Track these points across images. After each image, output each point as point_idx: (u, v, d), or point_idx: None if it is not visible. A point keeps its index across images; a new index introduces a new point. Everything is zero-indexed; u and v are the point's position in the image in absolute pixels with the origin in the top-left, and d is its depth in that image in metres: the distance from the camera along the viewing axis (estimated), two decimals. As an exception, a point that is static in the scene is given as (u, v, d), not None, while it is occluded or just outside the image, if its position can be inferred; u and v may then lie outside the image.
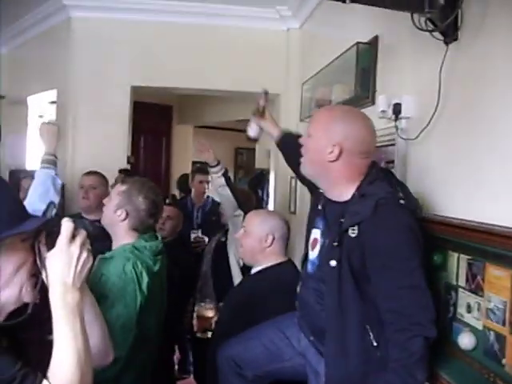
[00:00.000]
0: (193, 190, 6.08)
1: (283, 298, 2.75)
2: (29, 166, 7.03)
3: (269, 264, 3.16)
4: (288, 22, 5.74)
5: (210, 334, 3.29)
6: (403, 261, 2.08)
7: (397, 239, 2.10)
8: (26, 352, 1.47)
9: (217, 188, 4.18)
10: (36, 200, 2.88)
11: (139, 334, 2.59)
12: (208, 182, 5.88)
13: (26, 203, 2.76)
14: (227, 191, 4.08)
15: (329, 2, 2.79)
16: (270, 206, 6.66)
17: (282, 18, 5.71)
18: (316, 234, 2.44)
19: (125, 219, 2.79)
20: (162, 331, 3.01)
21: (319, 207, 2.46)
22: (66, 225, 1.42)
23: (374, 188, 2.20)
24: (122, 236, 2.81)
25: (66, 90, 5.89)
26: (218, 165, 4.18)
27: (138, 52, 5.68)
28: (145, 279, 2.69)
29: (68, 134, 5.76)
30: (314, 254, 2.42)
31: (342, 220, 2.19)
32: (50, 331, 1.41)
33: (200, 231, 5.30)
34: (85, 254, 1.44)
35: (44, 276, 1.42)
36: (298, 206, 5.37)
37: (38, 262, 1.45)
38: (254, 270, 3.23)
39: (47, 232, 1.45)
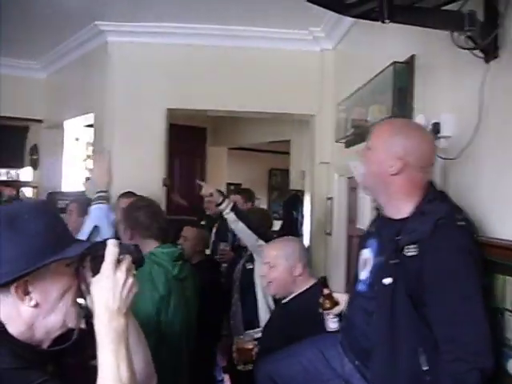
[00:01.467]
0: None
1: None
2: (65, 188, 7.12)
3: (302, 289, 3.14)
4: (321, 42, 5.73)
5: (250, 367, 3.24)
6: (462, 286, 2.03)
7: (456, 263, 2.04)
8: (70, 377, 1.46)
9: (230, 225, 4.09)
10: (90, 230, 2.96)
11: (160, 335, 2.64)
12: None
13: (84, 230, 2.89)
14: (241, 225, 3.96)
15: (363, 22, 2.78)
16: (306, 228, 6.62)
17: (316, 39, 5.71)
18: (367, 254, 2.40)
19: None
20: (190, 345, 3.08)
21: (372, 229, 2.43)
22: (111, 249, 1.41)
23: (433, 207, 2.16)
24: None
25: (102, 113, 5.97)
26: (223, 201, 3.96)
27: (173, 75, 5.73)
28: (161, 279, 2.86)
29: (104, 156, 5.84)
30: (364, 274, 2.38)
31: (399, 238, 2.14)
32: (93, 356, 1.39)
33: (228, 244, 5.32)
34: (130, 280, 1.42)
35: (89, 302, 1.41)
36: (334, 228, 5.33)
37: (83, 287, 1.44)
38: (286, 300, 3.22)
39: (92, 256, 1.45)
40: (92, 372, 1.37)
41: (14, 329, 1.41)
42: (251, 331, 3.66)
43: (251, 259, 4.44)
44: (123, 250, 1.44)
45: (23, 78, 7.44)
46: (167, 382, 2.53)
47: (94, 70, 6.17)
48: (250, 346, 3.26)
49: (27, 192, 8.11)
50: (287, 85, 5.75)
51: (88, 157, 7.61)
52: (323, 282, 2.76)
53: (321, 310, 2.69)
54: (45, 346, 1.46)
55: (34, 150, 8.05)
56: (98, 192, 3.12)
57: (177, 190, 7.35)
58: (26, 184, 8.20)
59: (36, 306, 1.40)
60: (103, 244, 1.43)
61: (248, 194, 6.02)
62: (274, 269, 3.14)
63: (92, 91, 6.25)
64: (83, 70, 6.51)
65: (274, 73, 5.79)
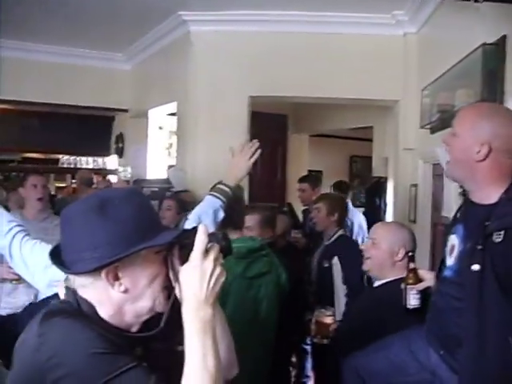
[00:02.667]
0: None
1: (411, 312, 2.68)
2: (149, 176, 7.28)
3: (396, 277, 3.09)
4: (405, 26, 5.62)
5: (326, 341, 3.24)
6: None
7: None
8: (157, 362, 1.48)
9: None
10: (193, 223, 2.85)
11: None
12: (304, 191, 5.85)
13: (189, 218, 2.80)
14: None
15: (449, 3, 2.71)
16: (389, 215, 6.52)
17: (399, 23, 5.60)
18: (454, 240, 2.34)
19: None
20: (261, 343, 3.06)
21: (458, 215, 2.37)
22: (200, 239, 1.40)
23: None
24: None
25: (185, 102, 6.07)
26: None
27: (255, 62, 5.76)
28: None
29: (188, 144, 5.93)
30: (451, 260, 2.33)
31: (487, 223, 2.08)
32: (180, 342, 1.41)
33: (300, 232, 5.32)
34: (218, 270, 1.41)
35: (177, 290, 1.42)
36: (418, 215, 5.23)
37: (172, 275, 1.44)
38: (378, 283, 3.17)
39: (180, 245, 1.45)
40: (179, 357, 1.39)
41: (104, 312, 1.44)
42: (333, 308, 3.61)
43: (326, 255, 4.41)
44: (212, 238, 1.43)
45: (109, 70, 7.68)
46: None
47: (177, 59, 6.28)
48: (329, 321, 3.24)
49: (113, 180, 8.35)
50: (370, 70, 5.68)
51: (170, 145, 7.75)
52: (410, 257, 2.72)
53: (403, 285, 2.63)
54: (134, 329, 1.49)
55: (120, 138, 8.29)
56: (222, 184, 2.87)
57: (258, 177, 7.37)
58: (111, 172, 8.45)
59: (125, 291, 1.43)
60: (192, 232, 1.43)
61: (314, 181, 5.99)
62: (377, 246, 3.09)
63: (175, 80, 6.35)
64: (166, 60, 6.64)
65: (357, 58, 5.73)
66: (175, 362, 1.42)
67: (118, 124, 8.47)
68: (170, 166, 7.27)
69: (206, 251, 1.41)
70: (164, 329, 1.45)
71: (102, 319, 1.43)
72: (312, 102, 6.81)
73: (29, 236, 2.52)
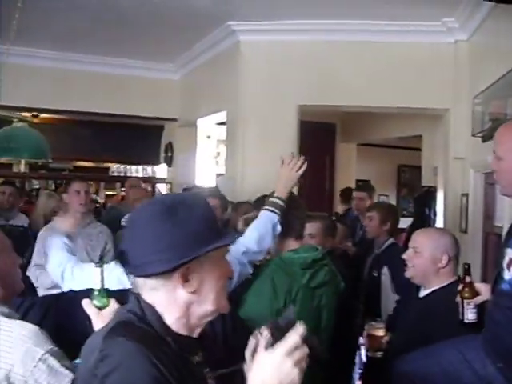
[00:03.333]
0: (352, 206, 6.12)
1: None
2: (198, 184, 7.34)
3: (441, 285, 3.04)
4: (455, 33, 5.55)
5: (379, 354, 3.19)
6: None
7: None
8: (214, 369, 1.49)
9: None
10: (252, 239, 2.86)
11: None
12: (362, 199, 5.83)
13: (243, 237, 2.82)
14: None
15: (501, 9, 2.67)
16: (439, 225, 6.44)
17: (449, 31, 5.54)
18: (511, 253, 2.31)
19: None
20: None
21: None
22: (294, 338, 1.32)
23: None
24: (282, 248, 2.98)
25: (235, 111, 6.12)
26: None
27: (304, 71, 5.78)
28: (284, 288, 2.78)
29: (237, 153, 5.97)
30: (509, 274, 2.29)
31: None
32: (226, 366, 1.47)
33: (350, 240, 5.28)
34: (296, 375, 1.30)
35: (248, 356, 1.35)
36: (469, 225, 5.15)
37: (249, 354, 1.37)
38: (424, 292, 3.13)
39: (273, 326, 1.38)
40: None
41: (171, 316, 1.46)
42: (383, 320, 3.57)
43: (376, 265, 4.37)
44: (307, 341, 1.34)
45: (159, 80, 7.79)
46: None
47: (227, 69, 6.33)
48: (381, 334, 3.19)
49: (162, 188, 8.45)
50: (420, 78, 5.64)
51: (218, 154, 7.81)
52: (466, 270, 2.65)
53: (459, 299, 2.58)
54: (196, 333, 1.51)
55: (169, 147, 8.39)
56: (275, 198, 2.88)
57: (307, 186, 7.36)
58: (160, 180, 8.56)
59: (194, 292, 1.45)
60: (290, 320, 1.39)
61: (371, 190, 5.97)
62: (419, 254, 3.06)
63: (224, 90, 6.41)
64: (215, 69, 6.70)
65: (407, 66, 5.69)
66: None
67: (167, 133, 8.60)
68: (218, 175, 7.34)
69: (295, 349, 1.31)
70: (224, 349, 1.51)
71: (166, 327, 1.45)
72: (361, 111, 6.79)
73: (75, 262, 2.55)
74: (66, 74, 7.25)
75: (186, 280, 1.44)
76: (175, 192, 7.56)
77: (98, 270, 1.95)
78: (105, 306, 1.89)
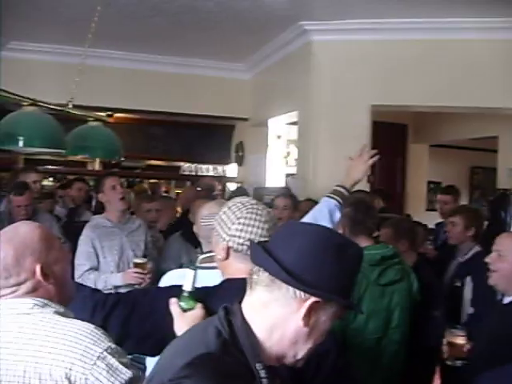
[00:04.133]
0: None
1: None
2: (269, 184, 7.35)
3: (528, 292, 2.94)
4: (534, 30, 5.37)
5: (459, 363, 3.09)
6: None
7: None
8: None
9: None
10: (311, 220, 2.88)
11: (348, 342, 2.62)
12: (446, 203, 5.66)
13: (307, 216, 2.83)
14: None
15: None
16: (516, 229, 6.25)
17: (528, 28, 5.37)
18: None
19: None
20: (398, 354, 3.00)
21: None
22: None
23: None
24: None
25: (306, 111, 6.09)
26: None
27: (377, 71, 5.72)
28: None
29: (308, 153, 5.94)
30: None
31: None
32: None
33: (431, 243, 5.15)
34: None
35: None
36: (549, 229, 4.98)
37: None
38: (508, 299, 3.03)
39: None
40: None
41: (267, 342, 1.41)
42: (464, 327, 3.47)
43: (460, 274, 4.21)
44: None
45: (230, 80, 7.84)
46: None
47: (298, 69, 6.31)
48: (462, 342, 3.09)
49: (232, 187, 8.51)
50: (496, 77, 5.47)
51: (288, 154, 7.80)
52: None
53: None
54: (280, 362, 1.45)
55: (240, 147, 8.43)
56: (340, 186, 2.94)
57: (377, 187, 7.27)
58: (231, 179, 8.61)
59: (305, 325, 1.39)
60: None
61: (456, 193, 5.77)
62: (503, 259, 2.95)
63: (296, 90, 6.39)
64: (287, 69, 6.68)
65: (481, 65, 5.54)
66: None
67: (238, 133, 8.64)
68: (288, 175, 7.32)
69: None
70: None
71: (257, 355, 1.38)
72: (434, 111, 6.66)
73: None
74: (139, 75, 7.42)
75: (309, 313, 1.37)
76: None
77: (191, 272, 1.95)
78: (190, 309, 1.87)
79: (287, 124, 7.47)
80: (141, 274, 4.05)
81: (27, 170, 5.63)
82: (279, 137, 7.79)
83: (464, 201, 10.88)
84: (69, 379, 1.59)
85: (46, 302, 1.72)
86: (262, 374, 1.35)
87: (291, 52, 6.53)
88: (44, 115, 3.15)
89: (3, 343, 1.64)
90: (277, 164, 7.76)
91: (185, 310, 1.88)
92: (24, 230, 1.77)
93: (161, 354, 1.54)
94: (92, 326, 1.71)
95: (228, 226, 2.03)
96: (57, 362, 1.59)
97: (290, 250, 1.40)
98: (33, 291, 1.72)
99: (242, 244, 2.01)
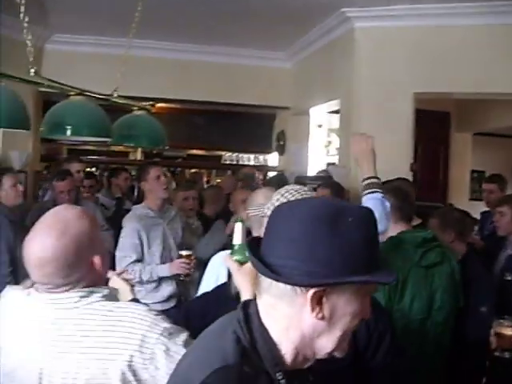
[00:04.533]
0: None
1: None
2: (310, 173, 7.33)
3: None
4: None
5: (507, 355, 3.04)
6: None
7: None
8: None
9: None
10: None
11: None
12: (491, 192, 5.58)
13: None
14: None
15: None
16: None
17: None
18: None
19: None
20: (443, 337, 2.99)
21: None
22: None
23: None
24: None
25: (349, 99, 6.05)
26: None
27: (420, 58, 5.62)
28: (395, 264, 2.89)
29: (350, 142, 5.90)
30: None
31: None
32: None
33: (476, 232, 5.07)
34: None
35: None
36: None
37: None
38: None
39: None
40: None
41: (286, 344, 1.29)
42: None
43: (510, 267, 4.11)
44: None
45: (271, 68, 7.82)
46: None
47: (340, 56, 6.26)
48: (511, 332, 3.04)
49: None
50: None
51: (329, 143, 7.77)
52: None
53: None
54: (305, 365, 1.34)
55: (281, 136, 8.42)
56: (367, 179, 2.87)
57: (419, 176, 7.19)
58: (272, 169, 8.62)
59: (321, 319, 1.26)
60: None
61: (502, 181, 5.67)
62: None
63: (338, 78, 6.35)
64: (329, 57, 6.64)
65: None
66: None
67: (280, 122, 8.63)
68: (329, 164, 7.29)
69: None
70: None
71: (277, 362, 1.27)
72: (477, 99, 6.55)
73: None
74: (181, 64, 7.47)
75: (318, 303, 1.24)
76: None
77: (239, 224, 1.98)
78: (246, 261, 1.84)
79: (328, 113, 7.44)
80: (187, 264, 4.10)
81: (70, 160, 5.75)
82: (320, 126, 7.76)
83: (509, 191, 10.71)
84: (130, 371, 1.59)
85: (91, 289, 1.70)
86: (283, 383, 1.25)
87: (333, 40, 6.47)
88: (91, 104, 3.20)
89: (52, 341, 1.63)
90: (318, 153, 7.73)
91: (241, 263, 1.87)
92: (72, 218, 1.72)
93: (176, 365, 1.45)
94: (144, 308, 1.72)
95: None
96: (115, 357, 1.59)
97: (278, 241, 1.28)
98: (91, 285, 1.71)
99: None
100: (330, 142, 7.79)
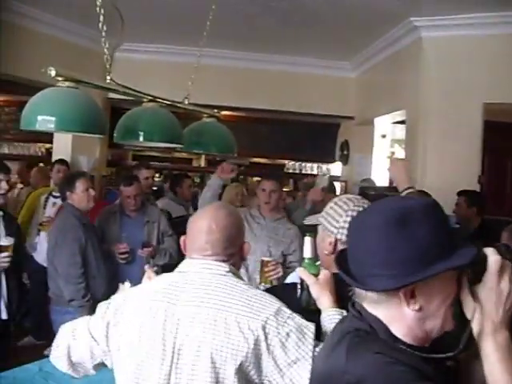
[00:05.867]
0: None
1: None
2: (376, 183, 7.27)
3: None
4: None
5: None
6: None
7: None
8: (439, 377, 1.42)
9: None
10: None
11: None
12: None
13: None
14: None
15: None
16: None
17: None
18: None
19: None
20: None
21: None
22: (494, 259, 1.33)
23: None
24: None
25: (415, 110, 5.97)
26: None
27: (490, 67, 5.50)
28: None
29: (417, 153, 5.83)
30: None
31: None
32: (448, 359, 1.41)
33: None
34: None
35: (470, 309, 1.35)
36: None
37: (464, 296, 1.38)
38: None
39: (471, 263, 1.35)
40: (449, 374, 1.41)
41: (397, 331, 1.41)
42: None
43: None
44: (502, 255, 1.35)
45: (336, 78, 7.84)
46: None
47: (407, 66, 6.20)
48: None
49: (336, 186, 8.46)
50: None
51: (392, 154, 7.70)
52: None
53: None
54: (426, 345, 1.44)
55: (345, 145, 8.39)
56: (406, 189, 2.84)
57: (485, 188, 7.04)
58: (335, 178, 8.59)
59: (419, 309, 1.38)
60: (481, 248, 1.36)
61: None
62: None
63: (404, 88, 6.29)
64: (394, 67, 6.59)
65: None
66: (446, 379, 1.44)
67: (344, 131, 8.61)
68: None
69: (500, 270, 1.34)
70: (445, 344, 1.42)
71: (399, 340, 1.40)
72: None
73: None
74: (246, 73, 7.56)
75: (412, 297, 1.37)
76: (351, 191, 7.54)
77: (309, 239, 2.08)
78: (318, 273, 1.98)
79: (393, 123, 7.37)
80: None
81: (139, 167, 5.85)
82: (384, 136, 7.70)
83: None
84: (264, 331, 1.75)
85: (236, 271, 1.97)
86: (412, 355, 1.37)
87: (400, 49, 6.42)
88: (163, 111, 3.26)
89: (205, 295, 1.84)
90: (381, 164, 7.66)
91: (315, 275, 1.98)
92: (231, 211, 2.05)
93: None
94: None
95: (336, 219, 2.14)
96: (254, 315, 1.78)
97: (359, 253, 1.42)
98: (233, 263, 1.97)
99: None
100: (393, 153, 7.71)
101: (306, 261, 2.03)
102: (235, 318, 1.77)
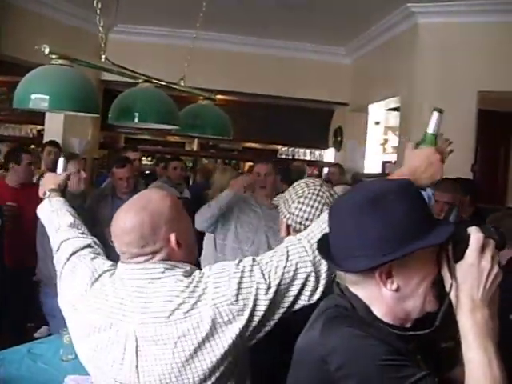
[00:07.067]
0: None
1: None
2: (367, 170, 7.28)
3: None
4: None
5: None
6: None
7: None
8: (425, 357, 1.45)
9: None
10: None
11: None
12: None
13: None
14: None
15: None
16: None
17: None
18: None
19: None
20: None
21: None
22: (476, 236, 1.32)
23: None
24: None
25: (409, 96, 5.97)
26: None
27: (486, 55, 5.51)
28: None
29: (411, 140, 5.80)
30: None
31: None
32: (445, 339, 1.41)
33: None
34: (495, 269, 1.32)
35: (447, 287, 1.34)
36: None
37: (445, 273, 1.36)
38: None
39: (453, 240, 1.35)
40: (443, 354, 1.40)
41: (378, 310, 1.41)
42: None
43: None
44: (486, 234, 1.34)
45: (330, 64, 7.82)
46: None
47: (402, 53, 6.19)
48: None
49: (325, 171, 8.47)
50: None
51: (385, 141, 7.70)
52: None
53: None
54: (407, 325, 1.44)
55: (338, 132, 8.37)
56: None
57: (478, 177, 7.05)
58: (328, 164, 8.58)
59: (397, 289, 1.37)
60: (464, 226, 1.35)
61: None
62: None
63: (398, 75, 6.27)
64: (390, 54, 6.57)
65: None
66: (437, 359, 1.44)
67: (337, 118, 8.58)
68: (385, 162, 7.22)
69: (482, 248, 1.33)
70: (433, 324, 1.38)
71: (377, 319, 1.41)
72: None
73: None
74: (240, 57, 7.53)
75: (388, 277, 1.37)
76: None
77: (436, 114, 1.86)
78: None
79: (386, 110, 7.36)
80: None
81: (126, 149, 5.83)
82: (377, 123, 7.70)
83: None
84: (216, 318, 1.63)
85: (173, 263, 1.76)
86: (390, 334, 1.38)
87: (396, 35, 6.40)
88: (159, 91, 3.22)
89: (139, 308, 1.70)
90: (374, 150, 7.66)
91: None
92: (155, 198, 1.80)
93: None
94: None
95: (289, 204, 2.12)
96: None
97: (337, 237, 1.44)
98: (166, 259, 1.76)
99: (300, 223, 2.09)
100: (386, 140, 7.72)
101: (428, 135, 1.83)
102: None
